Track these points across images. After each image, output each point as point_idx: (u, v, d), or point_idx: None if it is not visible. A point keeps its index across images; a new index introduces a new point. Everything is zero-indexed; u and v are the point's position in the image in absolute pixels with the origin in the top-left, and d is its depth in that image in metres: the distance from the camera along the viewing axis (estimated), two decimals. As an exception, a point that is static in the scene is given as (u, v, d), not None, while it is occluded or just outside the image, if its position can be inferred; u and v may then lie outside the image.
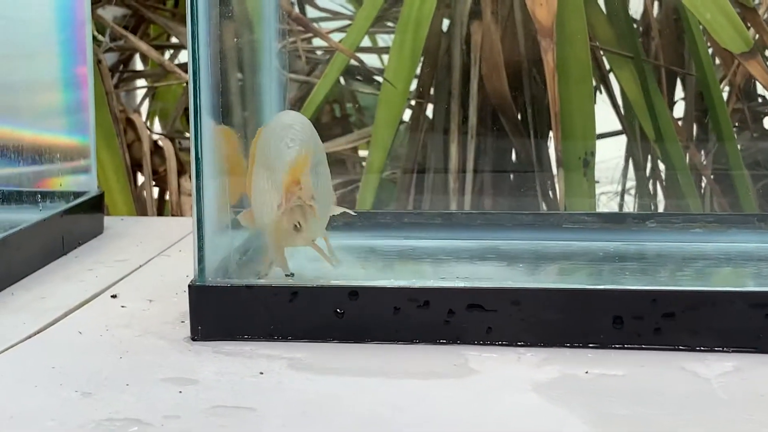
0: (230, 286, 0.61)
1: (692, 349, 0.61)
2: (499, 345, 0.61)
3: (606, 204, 1.39)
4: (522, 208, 1.17)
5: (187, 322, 0.62)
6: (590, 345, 0.61)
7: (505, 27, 1.20)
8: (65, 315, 0.66)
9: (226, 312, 0.61)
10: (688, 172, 1.20)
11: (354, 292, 0.61)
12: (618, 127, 1.26)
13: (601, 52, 1.22)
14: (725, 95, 1.29)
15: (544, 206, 1.16)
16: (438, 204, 1.19)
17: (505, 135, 1.20)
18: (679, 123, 1.24)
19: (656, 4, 1.29)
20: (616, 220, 0.80)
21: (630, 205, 1.34)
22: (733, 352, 0.60)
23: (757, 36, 1.13)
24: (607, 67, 1.22)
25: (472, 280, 0.64)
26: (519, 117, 1.19)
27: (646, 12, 1.26)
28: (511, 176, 1.19)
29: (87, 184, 0.88)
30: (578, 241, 0.78)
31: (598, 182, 1.41)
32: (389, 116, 1.13)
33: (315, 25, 1.39)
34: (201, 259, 0.61)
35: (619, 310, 0.61)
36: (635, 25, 1.30)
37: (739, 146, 1.30)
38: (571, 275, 0.72)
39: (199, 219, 0.61)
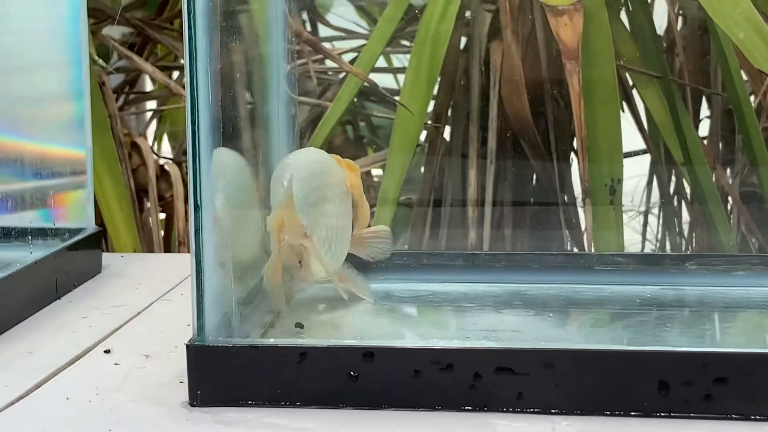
0: (232, 346, 0.55)
1: (747, 419, 0.54)
2: (531, 413, 0.55)
3: (633, 231, 1.33)
4: (546, 239, 1.11)
5: (186, 382, 0.56)
6: (632, 413, 0.55)
7: (526, 47, 1.14)
8: (53, 375, 0.60)
9: (228, 375, 0.56)
10: (717, 196, 1.14)
11: (369, 353, 0.55)
12: (643, 147, 1.20)
13: (626, 72, 1.16)
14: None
15: (568, 237, 1.09)
16: (455, 235, 1.14)
17: (526, 160, 1.14)
18: (706, 143, 1.18)
19: (680, 19, 1.23)
20: (652, 262, 0.74)
21: (655, 234, 1.28)
22: (792, 421, 0.54)
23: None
24: (632, 86, 1.17)
25: (500, 340, 0.58)
26: (540, 141, 1.13)
27: (670, 27, 1.21)
28: (534, 205, 1.13)
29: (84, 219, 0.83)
30: (611, 285, 0.72)
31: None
32: (405, 141, 1.07)
33: (328, 45, 1.34)
34: (200, 314, 0.56)
35: (665, 375, 0.55)
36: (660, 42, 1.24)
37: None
38: (609, 328, 0.65)
39: (198, 265, 0.55)
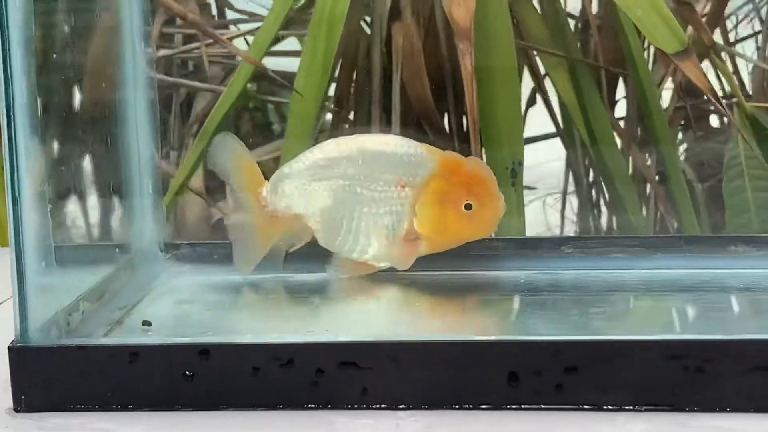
0: (57, 347, 0.52)
1: (599, 409, 0.52)
2: (376, 409, 0.53)
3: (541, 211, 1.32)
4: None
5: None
6: (482, 406, 0.53)
7: (427, 28, 1.12)
8: None
9: (54, 378, 0.52)
10: (628, 178, 1.13)
11: (205, 351, 0.52)
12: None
13: (535, 53, 1.14)
14: (668, 93, 1.21)
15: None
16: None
17: (429, 143, 1.11)
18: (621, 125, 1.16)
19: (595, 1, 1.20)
20: (528, 246, 0.71)
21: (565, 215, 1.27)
22: (645, 410, 0.52)
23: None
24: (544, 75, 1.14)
25: (345, 333, 0.55)
26: (444, 124, 1.10)
27: (585, 9, 1.18)
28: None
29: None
30: (487, 270, 0.70)
31: (535, 189, 1.33)
32: (301, 127, 1.03)
33: (234, 28, 1.30)
34: (23, 313, 0.52)
35: (514, 365, 0.52)
36: (575, 23, 1.22)
37: (683, 148, 1.23)
38: (472, 316, 0.63)
39: (19, 261, 0.52)
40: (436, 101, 1.09)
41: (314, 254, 0.67)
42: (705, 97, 1.19)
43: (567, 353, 0.52)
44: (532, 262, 0.70)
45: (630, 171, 1.12)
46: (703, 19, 1.16)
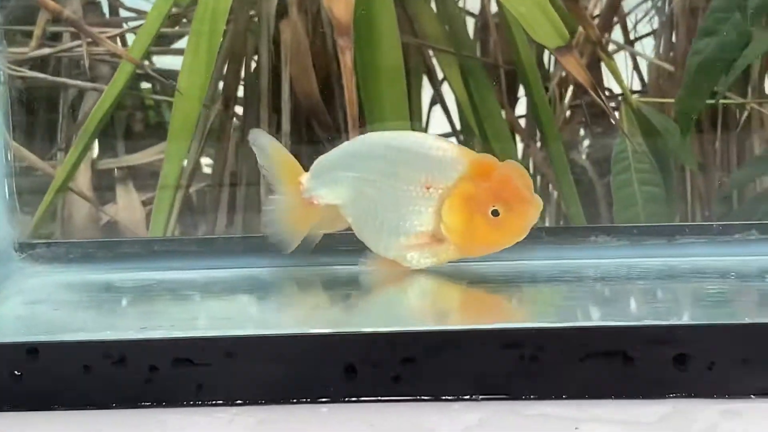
0: None
1: (437, 399, 0.52)
2: (212, 406, 0.52)
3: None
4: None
5: None
6: (320, 400, 0.52)
7: (315, 25, 1.11)
8: None
9: None
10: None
11: (33, 350, 0.51)
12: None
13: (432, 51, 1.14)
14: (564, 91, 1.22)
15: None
16: (252, 221, 1.10)
17: (319, 142, 1.11)
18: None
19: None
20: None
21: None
22: (483, 400, 0.52)
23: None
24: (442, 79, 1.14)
25: (180, 329, 0.54)
26: (332, 121, 1.10)
27: (484, 8, 1.19)
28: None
29: None
30: (342, 266, 0.69)
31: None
32: (183, 125, 1.02)
33: (127, 26, 1.28)
34: None
35: (351, 358, 0.52)
36: (474, 21, 1.22)
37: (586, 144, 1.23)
38: (327, 309, 0.62)
39: None
40: (325, 98, 1.08)
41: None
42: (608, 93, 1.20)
43: (404, 345, 0.52)
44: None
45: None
46: (598, 17, 1.17)
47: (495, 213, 0.61)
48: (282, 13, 1.09)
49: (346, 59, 0.95)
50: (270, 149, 0.66)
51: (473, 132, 1.15)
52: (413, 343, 0.52)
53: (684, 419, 0.49)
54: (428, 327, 0.53)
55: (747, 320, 0.52)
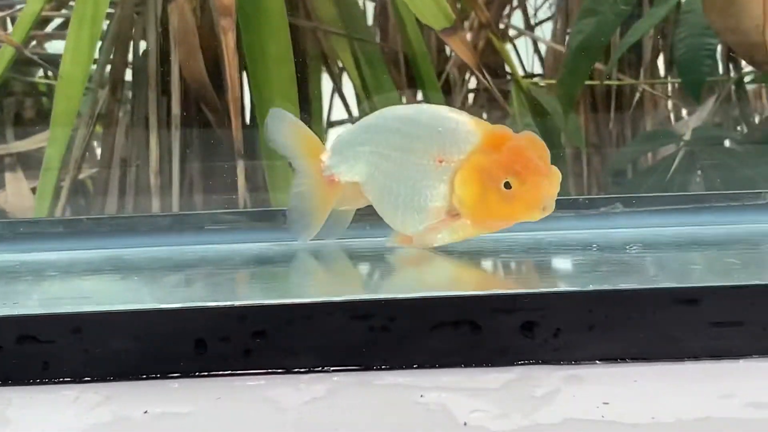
0: None
1: (289, 372, 0.52)
2: (58, 383, 0.51)
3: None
4: (228, 204, 1.07)
5: None
6: (171, 375, 0.52)
7: (203, 8, 1.10)
8: None
9: None
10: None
11: None
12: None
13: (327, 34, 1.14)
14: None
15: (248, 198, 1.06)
16: (142, 205, 1.09)
17: (209, 125, 1.10)
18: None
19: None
20: (264, 218, 0.71)
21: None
22: (334, 371, 0.52)
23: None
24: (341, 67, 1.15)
25: (26, 306, 0.54)
26: (220, 104, 1.09)
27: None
28: (219, 168, 1.09)
29: None
30: (220, 244, 0.69)
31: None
32: (67, 108, 1.01)
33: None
34: None
35: (201, 332, 0.52)
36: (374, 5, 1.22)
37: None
38: (188, 288, 0.62)
39: None
40: (213, 80, 1.08)
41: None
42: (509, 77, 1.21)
43: (254, 318, 0.52)
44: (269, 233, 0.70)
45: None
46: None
47: (508, 186, 0.59)
48: (169, -5, 1.08)
49: (228, 40, 0.95)
50: (290, 127, 0.64)
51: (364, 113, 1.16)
52: (264, 317, 0.52)
53: (527, 385, 0.50)
54: (279, 300, 0.53)
55: (591, 287, 0.53)
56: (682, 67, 1.00)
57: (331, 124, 1.27)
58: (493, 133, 0.60)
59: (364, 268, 0.65)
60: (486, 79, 1.02)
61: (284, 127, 0.64)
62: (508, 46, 1.27)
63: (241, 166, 0.92)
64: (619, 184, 1.07)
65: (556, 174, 0.59)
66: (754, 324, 0.53)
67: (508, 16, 1.33)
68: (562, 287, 0.54)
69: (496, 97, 1.05)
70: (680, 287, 0.53)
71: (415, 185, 0.61)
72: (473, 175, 0.59)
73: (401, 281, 0.61)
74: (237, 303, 0.52)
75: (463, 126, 0.60)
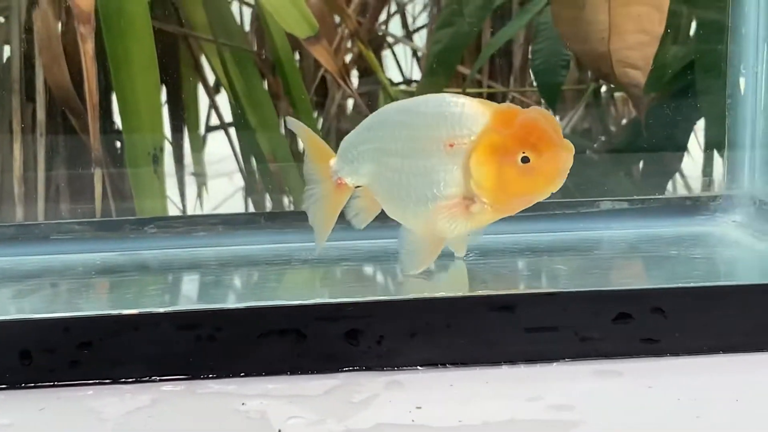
0: None
1: (116, 382, 0.53)
2: None
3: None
4: (92, 213, 1.07)
5: None
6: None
7: (68, 13, 1.09)
8: None
9: None
10: (293, 163, 1.15)
11: None
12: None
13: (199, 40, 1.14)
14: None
15: (113, 207, 1.06)
16: (4, 213, 1.07)
17: (75, 132, 1.09)
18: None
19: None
20: (110, 228, 0.71)
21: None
22: (161, 381, 0.53)
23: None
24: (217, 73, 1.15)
25: None
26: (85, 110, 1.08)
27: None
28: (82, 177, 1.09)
29: None
30: (66, 254, 0.69)
31: (202, 176, 1.34)
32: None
33: None
34: None
35: (26, 344, 0.52)
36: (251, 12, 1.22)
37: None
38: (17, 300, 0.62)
39: None
40: (78, 87, 1.07)
41: None
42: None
43: (79, 329, 0.52)
44: (113, 243, 0.70)
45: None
46: (363, 8, 1.20)
47: (525, 160, 0.56)
48: (34, 1, 1.07)
49: (87, 48, 0.94)
50: (300, 135, 0.63)
51: (244, 123, 1.17)
52: (90, 328, 0.52)
53: (348, 391, 0.52)
54: (104, 312, 0.54)
55: (413, 296, 0.55)
56: (538, 75, 1.03)
57: (210, 130, 1.28)
58: (503, 110, 0.57)
59: (196, 278, 0.66)
60: (348, 86, 1.04)
61: (296, 134, 0.64)
62: (388, 53, 1.30)
63: (98, 174, 0.91)
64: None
65: (570, 145, 0.56)
66: (567, 329, 0.55)
67: (386, 23, 1.35)
68: (387, 296, 0.56)
69: (358, 103, 1.07)
70: (497, 294, 0.56)
71: (427, 174, 0.58)
72: (488, 154, 0.56)
73: (231, 291, 0.62)
74: (62, 315, 0.53)
75: (470, 108, 0.57)
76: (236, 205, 1.18)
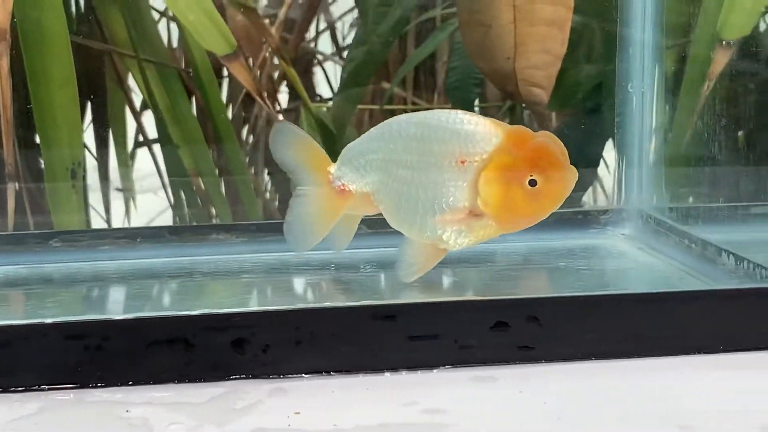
0: None
1: (6, 391, 0.54)
2: None
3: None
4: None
5: None
6: None
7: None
8: None
9: None
10: (214, 173, 1.16)
11: None
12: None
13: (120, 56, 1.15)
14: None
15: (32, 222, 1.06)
16: None
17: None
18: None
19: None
20: (15, 242, 0.72)
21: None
22: (50, 390, 0.54)
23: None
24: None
25: None
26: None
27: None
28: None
29: None
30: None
31: (129, 191, 1.34)
32: None
33: None
34: None
35: None
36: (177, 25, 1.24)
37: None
38: None
39: None
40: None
41: None
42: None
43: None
44: (17, 256, 0.71)
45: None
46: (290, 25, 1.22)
47: (532, 183, 0.59)
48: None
49: (2, 64, 0.95)
50: (296, 140, 0.63)
51: (168, 138, 1.18)
52: (-20, 338, 0.54)
53: (232, 398, 0.54)
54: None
55: (298, 305, 0.57)
56: (452, 92, 1.06)
57: (140, 145, 1.29)
58: (516, 132, 0.60)
59: (96, 291, 0.67)
60: (266, 104, 1.06)
61: (289, 140, 0.63)
62: (318, 70, 1.32)
63: (11, 189, 0.92)
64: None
65: (575, 169, 0.60)
66: (447, 337, 0.58)
67: (315, 40, 1.37)
68: (274, 306, 0.58)
69: (274, 118, 1.09)
70: (380, 304, 0.58)
71: (437, 188, 0.60)
72: (498, 173, 0.59)
73: (127, 303, 0.64)
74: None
75: (483, 127, 0.60)
76: (165, 219, 1.19)
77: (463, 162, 0.60)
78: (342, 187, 0.63)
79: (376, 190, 0.63)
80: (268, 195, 1.21)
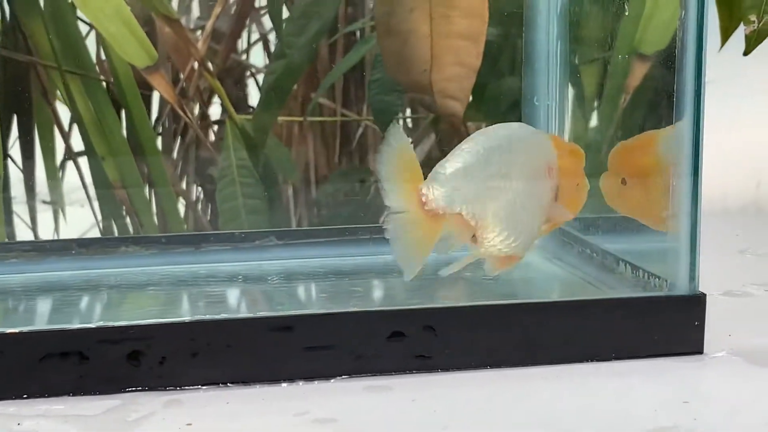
0: None
1: None
2: None
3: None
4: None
5: None
6: None
7: None
8: None
9: None
10: (141, 189, 1.16)
11: None
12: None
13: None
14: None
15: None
16: None
17: None
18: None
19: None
20: None
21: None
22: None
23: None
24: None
25: None
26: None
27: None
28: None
29: None
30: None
31: (57, 204, 1.34)
32: None
33: None
34: None
35: None
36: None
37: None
38: None
39: None
40: None
41: None
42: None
43: None
44: None
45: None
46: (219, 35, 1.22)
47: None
48: None
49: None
50: (397, 149, 0.57)
51: (93, 151, 1.18)
52: None
53: (126, 410, 0.54)
54: None
55: (195, 317, 0.57)
56: (373, 104, 1.07)
57: (71, 158, 1.28)
58: (556, 139, 0.65)
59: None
60: (187, 115, 1.06)
61: (392, 146, 0.58)
62: (251, 81, 1.32)
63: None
64: (319, 216, 1.13)
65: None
66: (344, 347, 0.58)
67: (247, 51, 1.38)
68: (170, 318, 0.58)
69: (197, 133, 1.09)
70: (276, 316, 0.58)
71: (539, 200, 0.62)
72: (570, 179, 0.63)
73: (14, 316, 0.64)
74: None
75: (544, 136, 0.65)
76: (92, 231, 1.18)
77: (550, 169, 0.63)
78: (435, 211, 0.58)
79: (472, 210, 0.59)
80: (200, 206, 1.21)
